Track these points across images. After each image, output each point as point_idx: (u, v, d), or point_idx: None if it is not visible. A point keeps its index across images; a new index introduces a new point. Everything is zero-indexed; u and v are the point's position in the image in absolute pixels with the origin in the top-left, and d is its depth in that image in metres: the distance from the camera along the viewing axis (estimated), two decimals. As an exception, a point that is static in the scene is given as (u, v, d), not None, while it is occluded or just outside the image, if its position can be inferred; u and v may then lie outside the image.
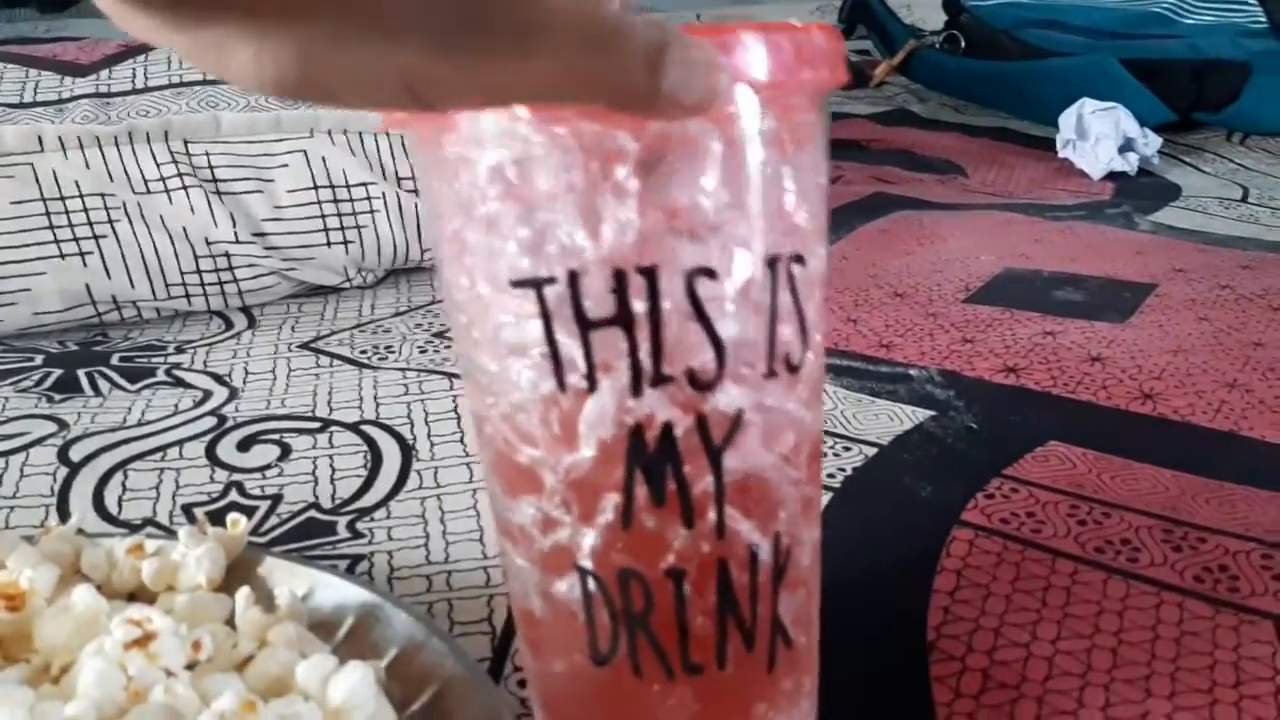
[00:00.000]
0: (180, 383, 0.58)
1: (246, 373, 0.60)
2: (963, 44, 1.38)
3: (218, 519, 0.39)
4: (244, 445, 0.51)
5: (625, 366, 0.24)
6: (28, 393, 0.56)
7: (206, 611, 0.34)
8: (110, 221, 0.63)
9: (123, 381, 0.58)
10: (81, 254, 0.63)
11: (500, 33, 0.19)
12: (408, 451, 0.51)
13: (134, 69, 0.71)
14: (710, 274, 0.24)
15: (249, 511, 0.45)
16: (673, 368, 0.24)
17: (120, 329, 0.66)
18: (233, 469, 0.49)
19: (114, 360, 0.61)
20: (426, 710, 0.31)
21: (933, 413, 0.55)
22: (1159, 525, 0.44)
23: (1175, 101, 1.19)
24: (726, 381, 0.24)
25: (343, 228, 0.70)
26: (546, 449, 0.25)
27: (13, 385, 0.57)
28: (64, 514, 0.45)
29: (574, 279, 0.23)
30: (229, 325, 0.67)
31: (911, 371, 0.60)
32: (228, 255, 0.67)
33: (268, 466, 0.49)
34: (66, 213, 0.62)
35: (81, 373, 0.59)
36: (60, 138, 0.63)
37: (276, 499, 0.46)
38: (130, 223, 0.64)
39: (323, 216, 0.69)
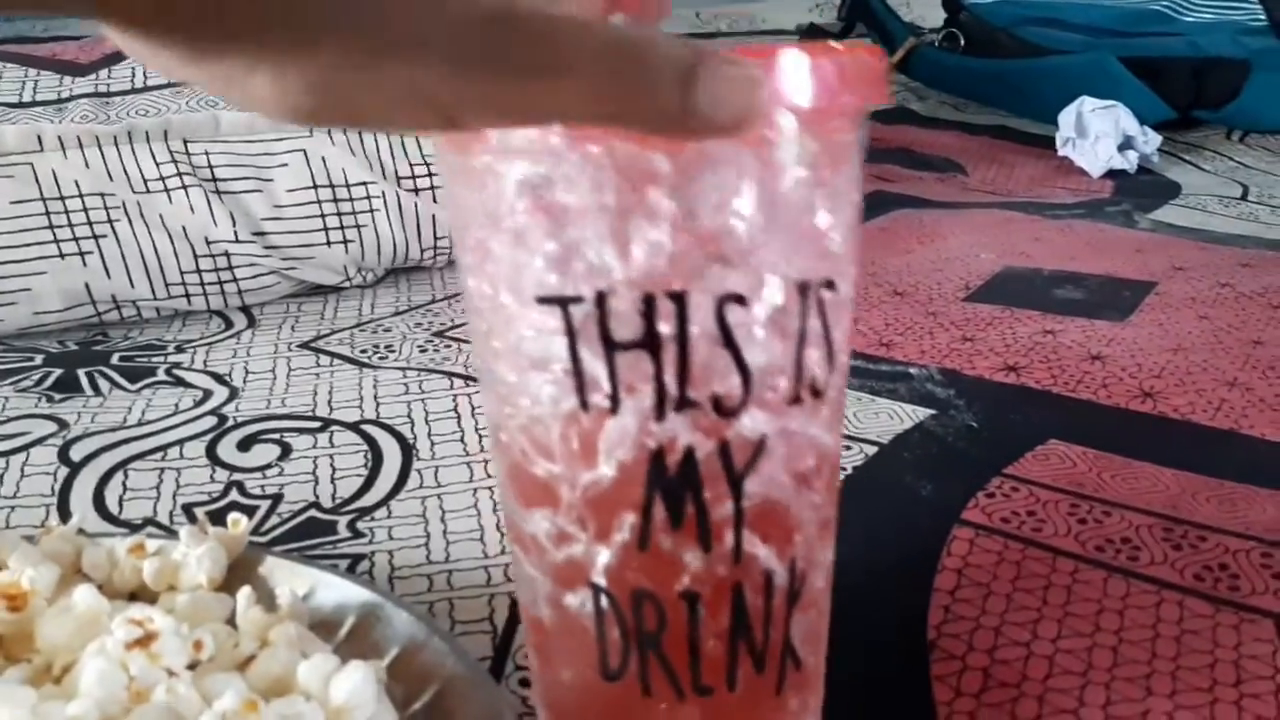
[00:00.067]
0: (180, 382, 0.58)
1: (247, 372, 0.60)
2: (962, 42, 1.38)
3: (218, 519, 0.39)
4: (244, 445, 0.51)
5: (650, 389, 0.23)
6: (28, 392, 0.56)
7: (208, 611, 0.34)
8: (110, 221, 0.63)
9: (123, 381, 0.58)
10: (81, 253, 0.63)
11: (526, 52, 0.19)
12: (408, 451, 0.51)
13: (133, 68, 0.71)
14: (741, 300, 0.23)
15: (249, 511, 0.45)
16: (698, 393, 0.23)
17: (120, 328, 0.66)
18: (233, 468, 0.49)
19: (114, 360, 0.61)
20: (428, 709, 0.31)
21: (933, 411, 0.55)
22: (1159, 524, 0.44)
23: (1175, 99, 1.19)
24: (751, 407, 0.24)
25: (342, 227, 0.70)
26: (564, 465, 0.25)
27: (13, 385, 0.57)
28: (64, 514, 0.45)
29: (601, 299, 0.23)
30: (229, 325, 0.67)
31: (912, 370, 0.60)
32: (227, 255, 0.67)
33: (268, 466, 0.49)
34: (66, 212, 0.62)
35: (81, 372, 0.59)
36: (60, 137, 0.63)
37: (277, 498, 0.46)
38: (130, 222, 0.64)
39: (322, 216, 0.69)
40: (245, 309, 0.69)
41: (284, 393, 0.57)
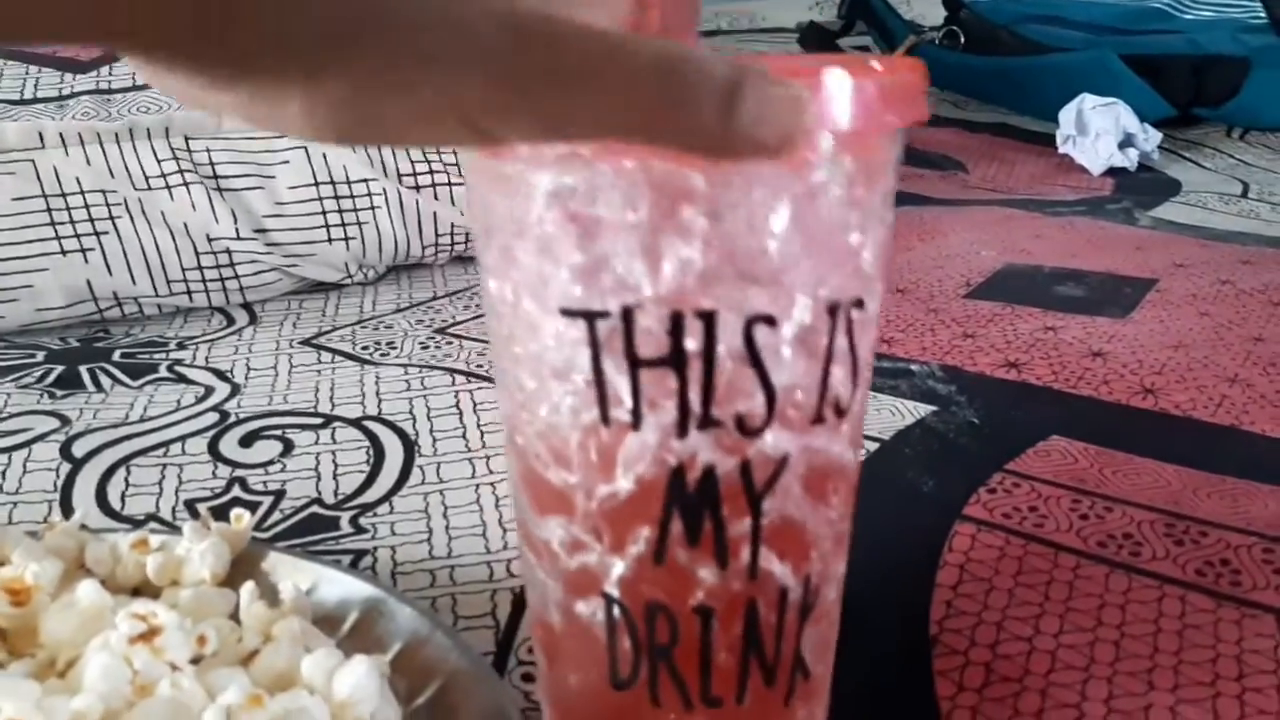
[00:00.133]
0: (182, 379, 0.58)
1: (248, 369, 0.60)
2: (962, 40, 1.38)
3: (221, 514, 0.39)
4: (246, 441, 0.51)
5: (672, 406, 0.23)
6: (30, 389, 0.56)
7: (211, 606, 0.34)
8: (111, 218, 0.63)
9: (124, 378, 0.58)
10: (83, 250, 0.63)
11: (563, 67, 0.18)
12: (410, 447, 0.51)
13: (134, 65, 0.71)
14: (770, 321, 0.23)
15: (252, 507, 0.45)
16: (721, 411, 0.23)
17: (121, 325, 0.66)
18: (235, 464, 0.49)
19: (116, 356, 0.61)
20: (431, 704, 0.31)
21: (934, 408, 0.55)
22: (1161, 519, 0.44)
23: (1175, 97, 1.19)
24: (774, 425, 0.24)
25: (344, 224, 0.70)
26: (581, 475, 0.24)
27: (14, 382, 0.57)
28: (67, 510, 0.45)
29: (628, 315, 0.22)
30: (230, 321, 0.67)
31: (913, 367, 0.60)
32: (229, 251, 0.67)
33: (270, 462, 0.49)
34: (68, 209, 0.62)
35: (83, 369, 0.59)
36: (61, 134, 0.63)
37: (279, 494, 0.46)
38: (131, 219, 0.64)
39: (324, 213, 0.69)
40: (247, 306, 0.69)
41: (286, 389, 0.57)
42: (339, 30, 0.17)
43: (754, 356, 0.23)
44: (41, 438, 0.51)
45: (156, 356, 0.61)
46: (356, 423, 0.53)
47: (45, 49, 0.74)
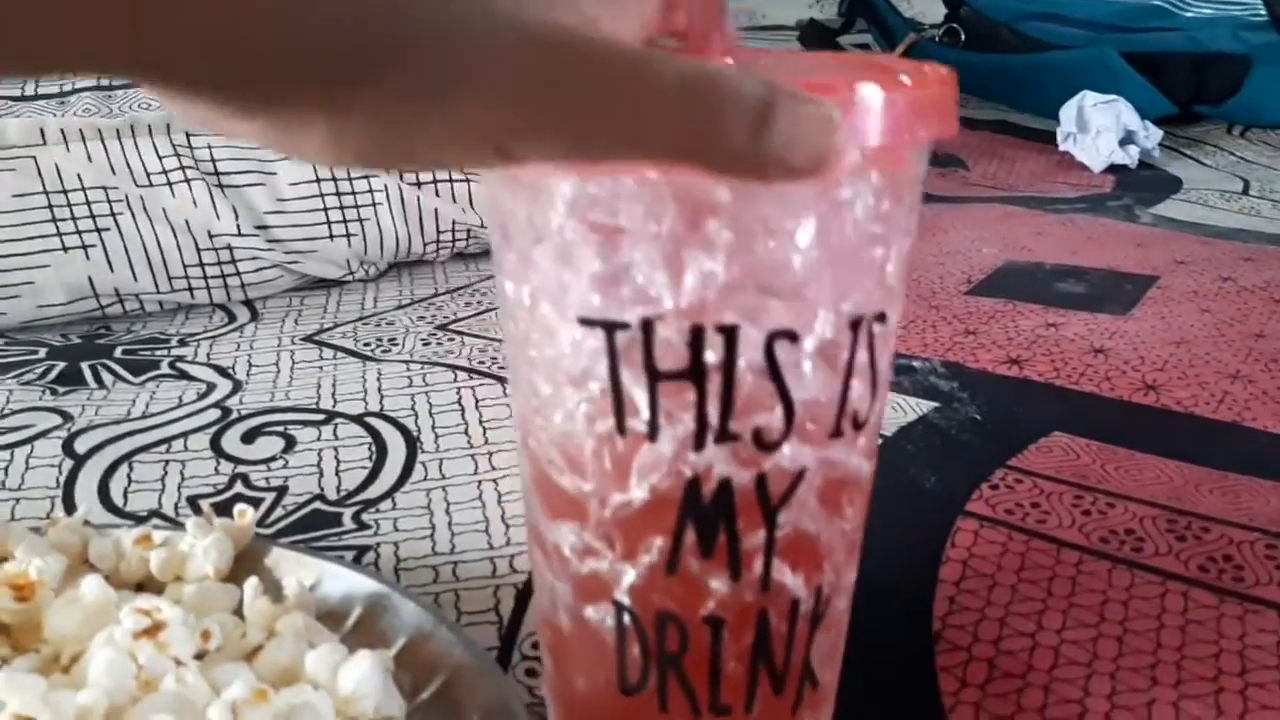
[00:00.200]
0: (184, 375, 0.58)
1: (250, 365, 0.60)
2: (962, 37, 1.38)
3: (223, 510, 0.39)
4: (249, 437, 0.51)
5: (690, 419, 0.23)
6: (32, 385, 0.56)
7: (214, 601, 0.34)
8: (113, 214, 0.63)
9: (126, 374, 0.58)
10: (84, 247, 0.63)
11: (588, 87, 0.18)
12: (412, 443, 0.51)
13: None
14: (792, 336, 0.22)
15: (254, 503, 0.45)
16: (739, 425, 0.23)
17: (123, 322, 0.66)
18: (238, 461, 0.49)
19: (117, 353, 0.61)
20: (435, 699, 0.31)
21: (936, 404, 0.55)
22: (1163, 515, 0.44)
23: (1176, 94, 1.19)
24: (792, 439, 0.23)
25: (345, 220, 0.70)
26: (595, 483, 0.24)
27: (16, 378, 0.57)
28: (70, 506, 0.45)
29: (648, 327, 0.22)
30: (232, 318, 0.67)
31: (915, 363, 0.60)
32: (230, 248, 0.67)
33: (273, 458, 0.49)
34: (69, 205, 0.62)
35: (85, 365, 0.59)
36: (62, 130, 0.63)
37: (282, 490, 0.46)
38: (133, 215, 0.64)
39: (325, 209, 0.69)
40: (248, 302, 0.69)
41: (288, 385, 0.57)
42: (363, 59, 0.17)
43: (774, 371, 0.23)
44: (44, 434, 0.51)
45: (158, 353, 0.61)
46: (359, 419, 0.53)
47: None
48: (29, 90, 0.66)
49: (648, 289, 0.22)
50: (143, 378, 0.58)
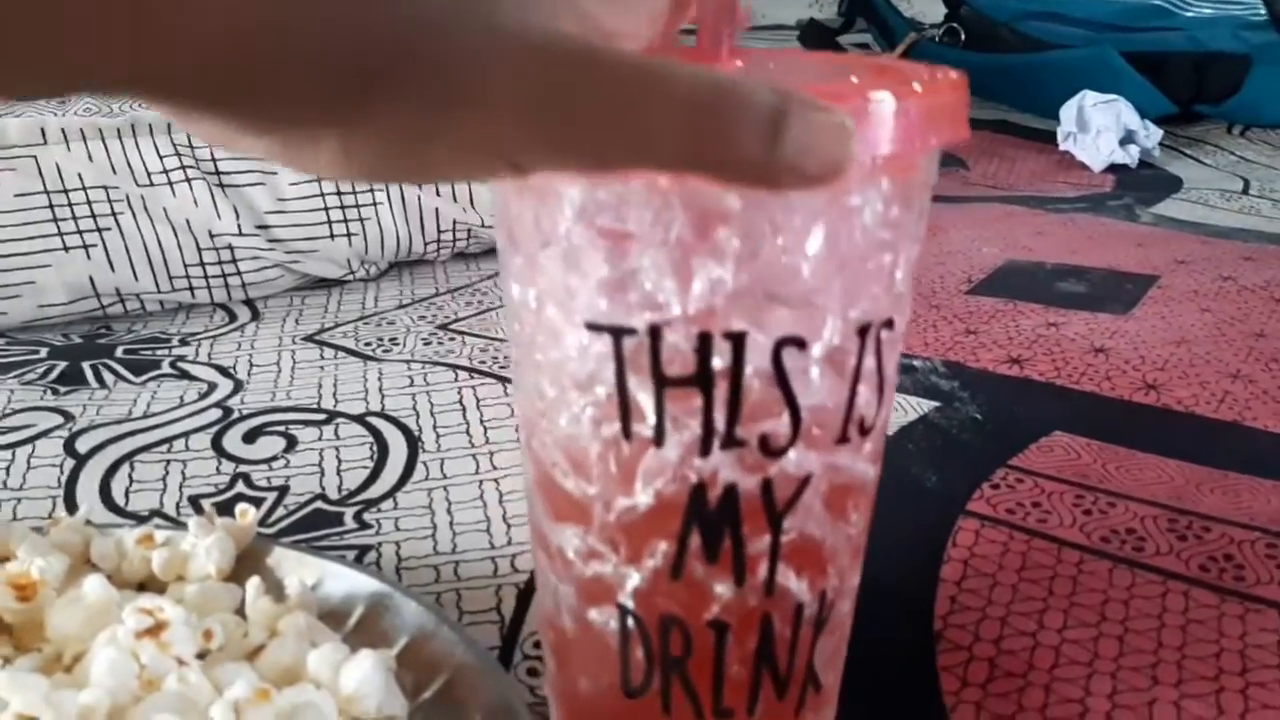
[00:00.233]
0: (185, 375, 0.58)
1: (251, 365, 0.60)
2: (963, 37, 1.38)
3: (225, 510, 0.39)
4: (250, 437, 0.51)
5: (696, 425, 0.23)
6: (33, 385, 0.56)
7: (216, 601, 0.34)
8: (114, 214, 0.63)
9: (127, 374, 0.58)
10: (85, 246, 0.63)
11: (600, 98, 0.17)
12: (413, 443, 0.51)
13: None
14: (799, 343, 0.22)
15: (256, 503, 0.45)
16: (746, 431, 0.23)
17: (124, 321, 0.66)
18: (239, 460, 0.49)
19: (118, 353, 0.61)
20: (437, 698, 0.31)
21: (937, 403, 0.55)
22: (1164, 515, 0.44)
23: (1176, 94, 1.19)
24: (799, 445, 0.23)
25: (345, 220, 0.70)
26: (600, 486, 0.24)
27: (17, 378, 0.57)
28: (71, 506, 0.45)
29: (655, 333, 0.22)
30: (233, 318, 0.67)
31: (916, 363, 0.60)
32: (231, 248, 0.67)
33: (274, 458, 0.49)
34: (70, 205, 0.62)
35: (86, 365, 0.59)
36: (63, 130, 0.63)
37: (283, 490, 0.46)
38: (134, 215, 0.64)
39: (325, 209, 0.69)
40: (249, 302, 0.69)
41: (289, 385, 0.57)
42: (369, 75, 0.17)
43: (781, 378, 0.22)
44: (45, 434, 0.51)
45: (159, 353, 0.61)
46: (360, 419, 0.53)
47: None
48: (30, 90, 0.66)
49: (656, 295, 0.22)
50: (144, 377, 0.58)
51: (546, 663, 0.30)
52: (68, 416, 0.53)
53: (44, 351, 0.61)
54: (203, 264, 0.66)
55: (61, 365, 0.59)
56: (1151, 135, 1.09)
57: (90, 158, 0.63)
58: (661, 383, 0.22)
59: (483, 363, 0.60)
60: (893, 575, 0.40)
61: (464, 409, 0.54)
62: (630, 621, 0.25)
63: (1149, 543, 0.42)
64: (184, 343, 0.63)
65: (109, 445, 0.50)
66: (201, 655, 0.30)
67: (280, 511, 0.45)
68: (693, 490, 0.23)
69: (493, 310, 0.68)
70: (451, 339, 0.63)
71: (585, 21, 0.20)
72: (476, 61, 0.17)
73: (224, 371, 0.59)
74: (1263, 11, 1.24)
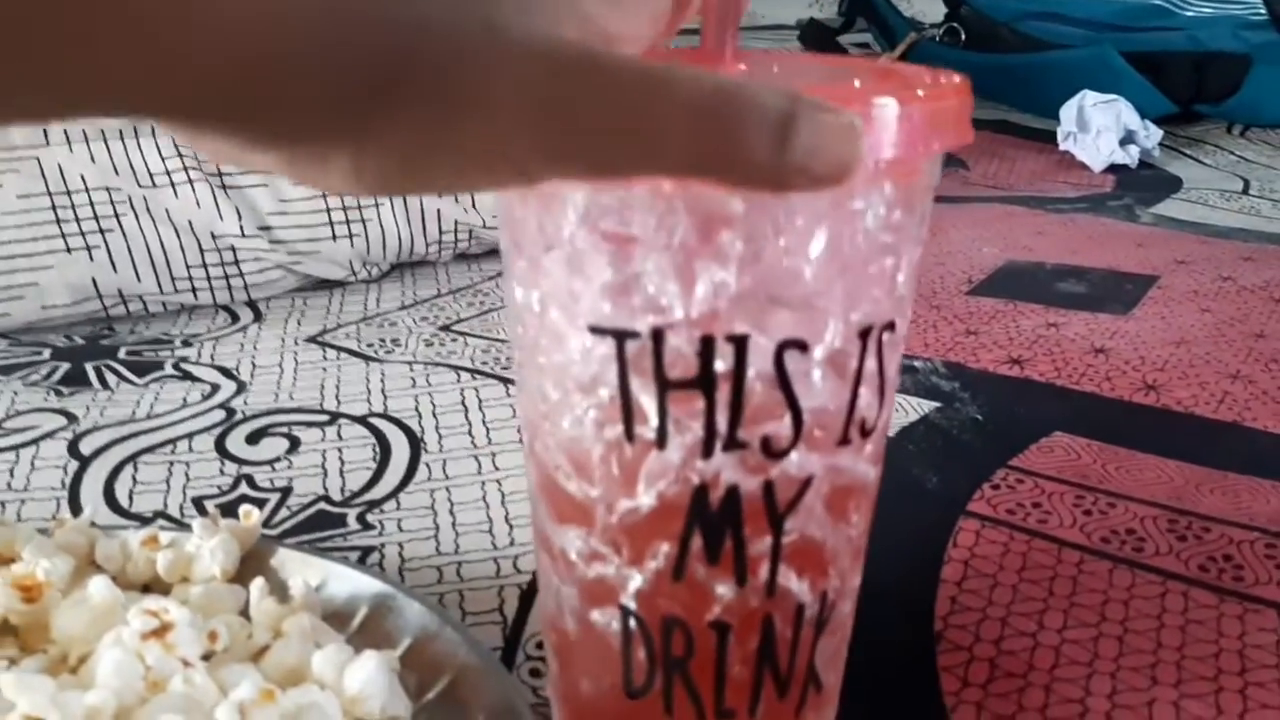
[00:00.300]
0: (188, 376, 0.58)
1: (254, 366, 0.60)
2: (963, 37, 1.38)
3: (228, 511, 0.39)
4: (253, 438, 0.51)
5: (699, 427, 0.23)
6: (37, 386, 0.56)
7: (221, 602, 0.34)
8: (116, 215, 0.64)
9: (130, 375, 0.58)
10: (88, 248, 0.63)
11: (609, 108, 0.17)
12: (416, 444, 0.51)
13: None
14: (801, 346, 0.22)
15: (259, 504, 0.45)
16: (748, 433, 0.23)
17: (127, 323, 0.67)
18: (242, 462, 0.49)
19: (121, 354, 0.61)
20: (441, 699, 0.31)
21: (938, 404, 0.55)
22: (1164, 515, 0.45)
23: (1176, 94, 1.19)
24: (800, 447, 0.23)
25: (347, 221, 0.70)
26: (603, 489, 0.24)
27: (21, 379, 0.57)
28: (75, 507, 0.45)
29: (658, 336, 0.22)
30: (235, 319, 0.67)
31: (916, 363, 0.60)
32: (233, 249, 0.67)
33: (277, 459, 0.49)
34: (73, 207, 0.63)
35: (89, 366, 0.59)
36: (65, 131, 0.63)
37: (286, 491, 0.47)
38: (136, 216, 0.64)
39: (327, 210, 0.69)
40: (251, 303, 0.70)
41: (291, 386, 0.57)
42: (377, 91, 0.17)
43: (783, 380, 0.23)
44: (49, 435, 0.51)
45: (162, 354, 0.61)
46: (362, 420, 0.53)
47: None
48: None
49: (659, 298, 0.22)
50: (147, 379, 0.58)
51: (549, 664, 0.30)
52: (71, 418, 0.53)
53: (47, 353, 0.61)
54: (205, 265, 0.66)
55: (65, 366, 0.59)
56: (1151, 135, 1.09)
57: (93, 159, 0.63)
58: (664, 385, 0.23)
59: (485, 364, 0.60)
60: (894, 576, 0.41)
61: (466, 410, 0.54)
62: (632, 622, 0.25)
63: (1149, 543, 0.43)
64: (187, 344, 0.63)
65: (113, 447, 0.50)
66: (206, 656, 0.30)
67: (283, 513, 0.45)
68: (695, 492, 0.23)
69: (494, 311, 0.68)
70: (453, 340, 0.63)
71: (587, 26, 0.20)
72: (481, 71, 0.17)
73: (227, 373, 0.59)
74: (1263, 11, 1.24)
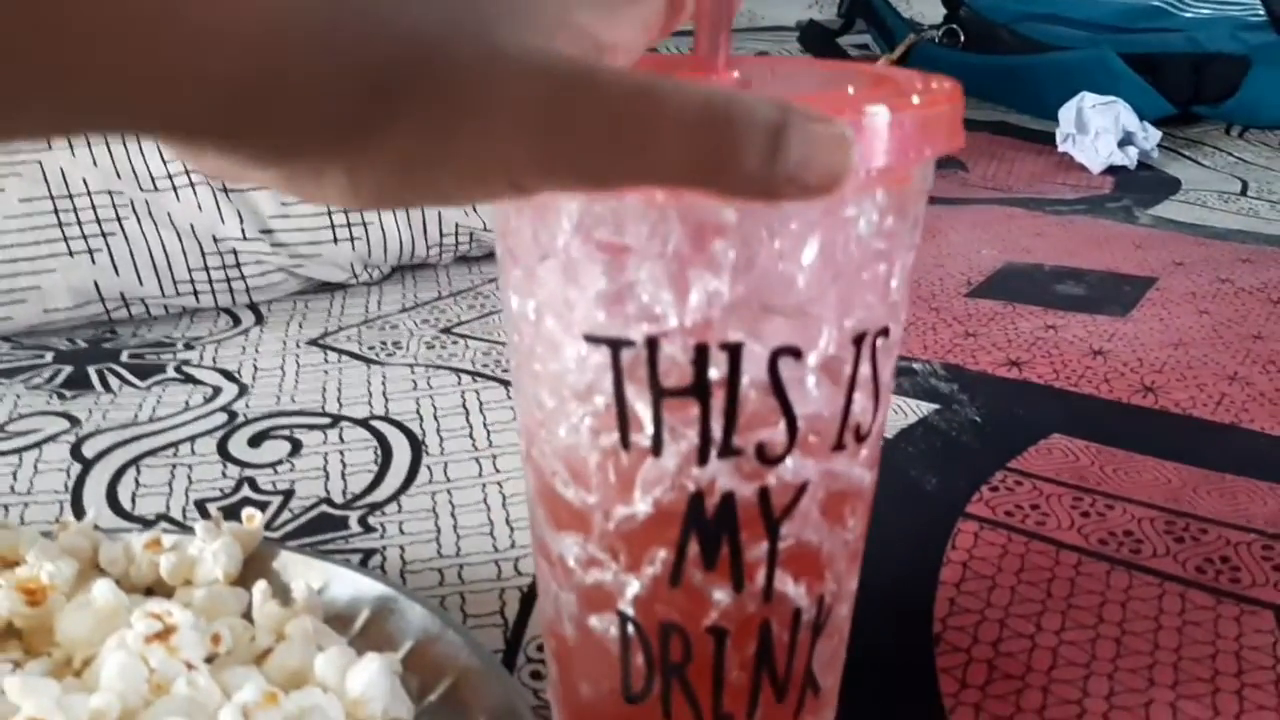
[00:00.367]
0: (190, 379, 0.59)
1: (256, 369, 0.60)
2: (962, 38, 1.39)
3: (231, 514, 0.39)
4: (255, 441, 0.52)
5: (694, 434, 0.23)
6: (39, 390, 0.57)
7: (224, 605, 0.34)
8: (118, 219, 0.64)
9: (133, 378, 0.58)
10: (90, 251, 0.63)
11: (604, 121, 0.18)
12: (417, 446, 0.51)
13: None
14: (795, 353, 0.23)
15: (261, 506, 0.45)
16: (743, 440, 0.23)
17: (129, 326, 0.67)
18: (244, 464, 0.49)
19: (124, 357, 0.61)
20: (442, 701, 0.32)
21: (937, 406, 0.55)
22: (1161, 517, 0.45)
23: (1175, 95, 1.19)
24: (795, 453, 0.23)
25: (348, 224, 0.70)
26: (599, 495, 0.24)
27: (24, 383, 0.57)
28: (78, 510, 0.45)
29: (652, 344, 0.22)
30: (237, 322, 0.67)
31: (915, 365, 0.60)
32: (235, 252, 0.67)
33: (279, 462, 0.50)
34: (75, 210, 0.63)
35: (92, 369, 0.59)
36: (68, 136, 0.63)
37: (288, 494, 0.47)
38: (138, 220, 0.64)
39: (329, 213, 0.69)
40: (253, 306, 0.70)
41: (293, 389, 0.57)
42: (372, 108, 0.17)
43: (778, 387, 0.23)
44: (52, 438, 0.51)
45: (164, 357, 0.62)
46: (364, 422, 0.53)
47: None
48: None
49: (653, 307, 0.22)
50: (149, 381, 0.58)
51: (549, 668, 0.30)
52: (74, 421, 0.53)
53: (49, 356, 0.61)
54: (207, 268, 0.67)
55: (67, 370, 0.59)
56: (1150, 137, 1.09)
57: (95, 163, 0.63)
58: (659, 393, 0.23)
59: (485, 366, 0.60)
60: (892, 577, 0.41)
61: (467, 412, 0.54)
62: (630, 628, 0.25)
63: (1146, 545, 0.43)
64: (189, 347, 0.63)
65: (115, 450, 0.50)
66: (209, 659, 0.30)
67: (285, 515, 0.45)
68: (691, 499, 0.23)
69: (495, 314, 0.69)
70: (454, 342, 0.64)
71: (580, 36, 0.20)
72: (476, 84, 0.18)
73: (229, 375, 0.59)
74: (1261, 12, 1.24)
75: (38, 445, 0.51)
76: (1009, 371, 0.60)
